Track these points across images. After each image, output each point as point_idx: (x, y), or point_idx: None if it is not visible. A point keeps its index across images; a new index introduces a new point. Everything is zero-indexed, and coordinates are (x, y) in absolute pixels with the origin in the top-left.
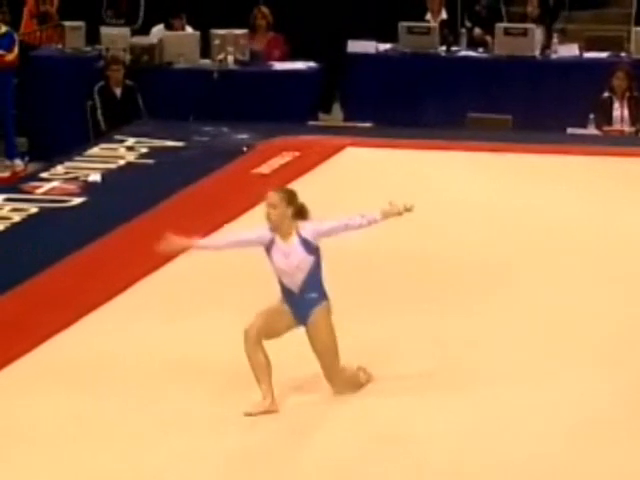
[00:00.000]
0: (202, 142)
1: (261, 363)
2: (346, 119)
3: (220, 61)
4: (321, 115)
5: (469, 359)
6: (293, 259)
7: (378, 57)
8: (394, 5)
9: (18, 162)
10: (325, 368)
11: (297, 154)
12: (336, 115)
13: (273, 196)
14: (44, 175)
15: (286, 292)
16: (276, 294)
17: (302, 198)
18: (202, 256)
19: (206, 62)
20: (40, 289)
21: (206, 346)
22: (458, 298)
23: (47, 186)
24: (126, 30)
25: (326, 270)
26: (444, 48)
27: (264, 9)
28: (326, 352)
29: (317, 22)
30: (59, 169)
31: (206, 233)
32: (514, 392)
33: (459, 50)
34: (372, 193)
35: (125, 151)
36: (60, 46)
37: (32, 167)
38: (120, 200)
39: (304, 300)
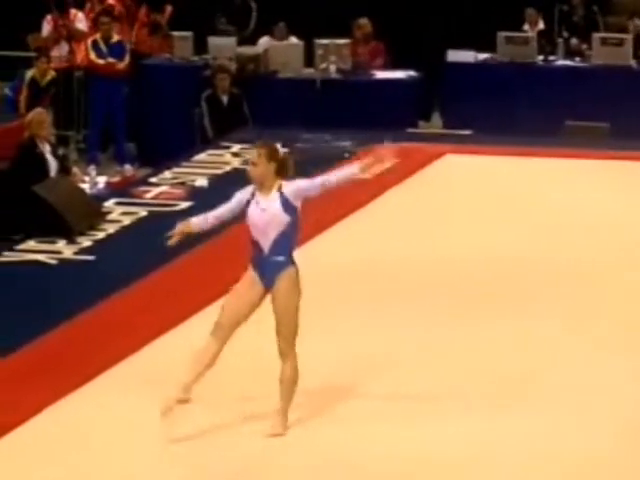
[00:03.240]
0: (305, 148)
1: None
2: (445, 127)
3: (323, 70)
4: (421, 123)
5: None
6: (268, 213)
7: (477, 66)
8: (493, 15)
9: (128, 167)
10: (282, 337)
11: (397, 161)
12: (436, 123)
13: (253, 153)
14: (153, 180)
15: (256, 253)
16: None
17: (402, 203)
18: (308, 264)
19: (310, 71)
20: (149, 290)
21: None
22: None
23: (155, 190)
24: (232, 40)
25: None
26: (542, 57)
27: (362, 21)
28: (285, 316)
29: (418, 32)
30: (167, 174)
31: (313, 233)
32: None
33: (556, 59)
34: (470, 199)
35: (231, 157)
36: (169, 55)
37: (141, 172)
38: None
39: (271, 263)
